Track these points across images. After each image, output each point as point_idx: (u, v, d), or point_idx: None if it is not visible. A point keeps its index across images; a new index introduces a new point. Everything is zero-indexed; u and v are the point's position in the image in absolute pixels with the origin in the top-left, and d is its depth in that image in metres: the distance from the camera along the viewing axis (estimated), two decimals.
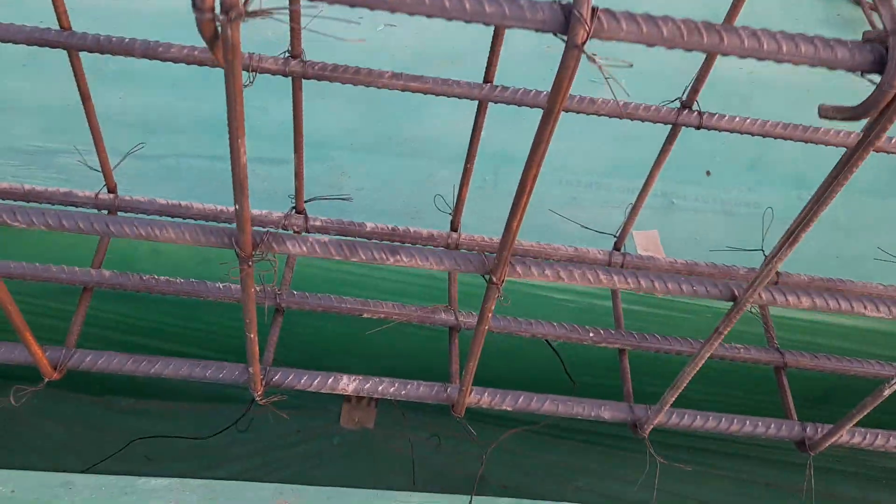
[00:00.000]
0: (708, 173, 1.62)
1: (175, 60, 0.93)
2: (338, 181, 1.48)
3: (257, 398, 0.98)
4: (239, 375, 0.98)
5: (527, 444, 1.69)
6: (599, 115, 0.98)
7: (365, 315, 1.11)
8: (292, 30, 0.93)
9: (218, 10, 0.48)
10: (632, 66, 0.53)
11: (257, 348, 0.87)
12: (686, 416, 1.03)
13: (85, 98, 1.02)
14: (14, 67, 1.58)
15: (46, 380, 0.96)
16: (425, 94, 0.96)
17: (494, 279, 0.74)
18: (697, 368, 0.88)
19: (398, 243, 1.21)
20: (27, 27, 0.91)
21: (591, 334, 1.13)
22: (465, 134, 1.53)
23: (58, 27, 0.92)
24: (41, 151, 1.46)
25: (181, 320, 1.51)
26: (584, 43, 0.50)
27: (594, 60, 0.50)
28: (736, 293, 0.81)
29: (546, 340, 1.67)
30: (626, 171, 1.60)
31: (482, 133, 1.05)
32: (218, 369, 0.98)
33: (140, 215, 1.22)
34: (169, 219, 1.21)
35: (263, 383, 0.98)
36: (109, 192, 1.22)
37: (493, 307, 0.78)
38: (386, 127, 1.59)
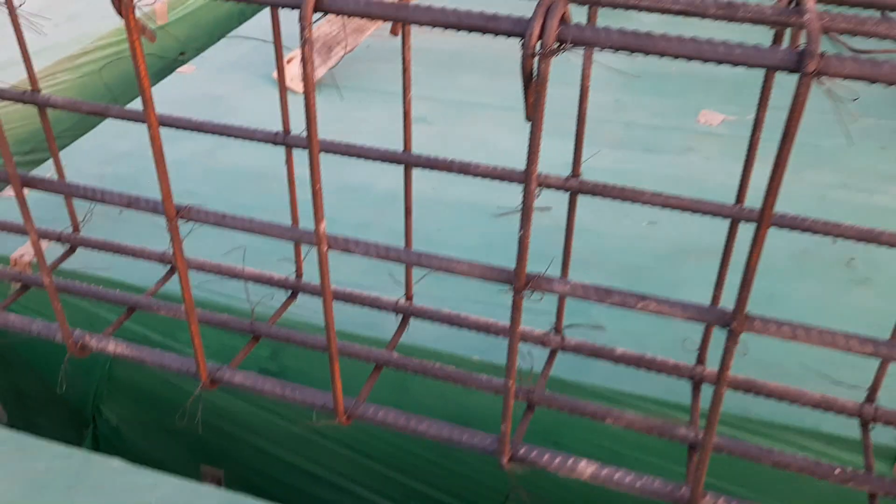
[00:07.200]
0: None
1: None
2: (590, 332, 1.61)
3: (504, 464, 1.08)
4: (490, 443, 1.10)
5: None
6: None
7: (608, 421, 1.19)
8: None
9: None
10: (857, 99, 0.66)
11: (512, 400, 1.00)
12: None
13: None
14: None
15: None
16: None
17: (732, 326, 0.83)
18: None
19: (644, 369, 1.30)
20: None
21: (837, 471, 1.10)
22: None
23: None
24: None
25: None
26: (813, 73, 0.65)
27: (823, 83, 0.64)
28: None
29: None
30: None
31: None
32: (471, 436, 1.11)
33: None
34: None
35: (511, 453, 1.08)
36: None
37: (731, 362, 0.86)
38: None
